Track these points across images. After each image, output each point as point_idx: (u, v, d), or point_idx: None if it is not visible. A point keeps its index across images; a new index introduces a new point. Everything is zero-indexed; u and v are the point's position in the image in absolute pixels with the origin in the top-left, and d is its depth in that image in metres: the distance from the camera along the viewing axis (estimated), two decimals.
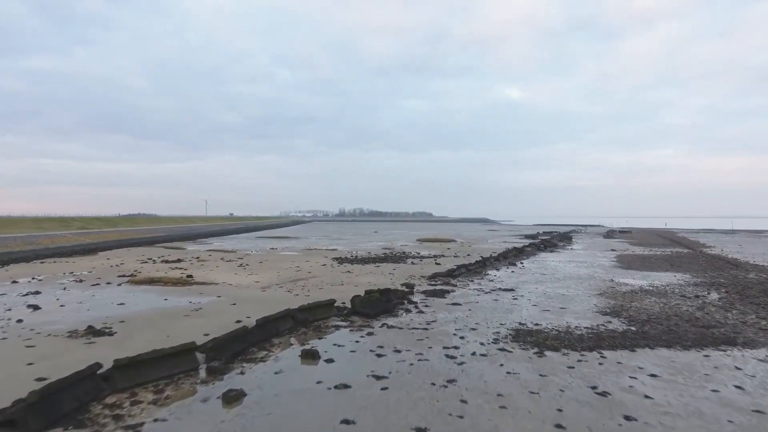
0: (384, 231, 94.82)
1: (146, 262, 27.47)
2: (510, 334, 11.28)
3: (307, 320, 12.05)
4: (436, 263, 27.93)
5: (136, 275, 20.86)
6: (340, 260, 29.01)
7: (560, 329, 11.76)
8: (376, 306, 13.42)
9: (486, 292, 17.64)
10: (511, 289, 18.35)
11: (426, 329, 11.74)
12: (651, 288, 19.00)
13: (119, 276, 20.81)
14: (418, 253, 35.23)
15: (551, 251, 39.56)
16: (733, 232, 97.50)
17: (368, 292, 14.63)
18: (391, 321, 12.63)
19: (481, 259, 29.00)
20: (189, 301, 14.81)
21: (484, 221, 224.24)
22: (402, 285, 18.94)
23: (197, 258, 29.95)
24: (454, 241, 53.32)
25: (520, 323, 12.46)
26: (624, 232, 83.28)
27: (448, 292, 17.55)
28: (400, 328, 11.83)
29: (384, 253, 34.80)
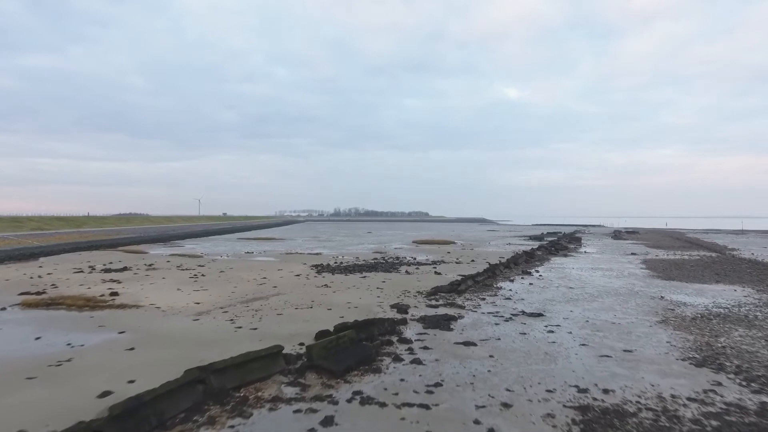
0: (378, 232, 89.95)
1: (81, 271, 22.51)
2: (573, 420, 6.46)
3: (225, 390, 7.19)
4: (436, 272, 23.12)
5: (43, 292, 15.94)
6: (320, 268, 24.13)
7: (651, 406, 6.96)
8: (347, 355, 8.58)
9: (506, 319, 12.83)
10: (540, 314, 13.55)
11: (426, 406, 6.92)
12: (722, 311, 14.26)
13: (20, 294, 15.85)
14: (414, 259, 30.40)
15: (565, 255, 34.84)
16: (743, 232, 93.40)
17: (339, 329, 9.80)
18: (368, 385, 7.79)
19: (488, 266, 24.22)
20: (68, 343, 9.91)
21: (481, 221, 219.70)
22: (392, 307, 14.12)
23: (149, 265, 25.02)
24: (453, 243, 48.54)
25: (578, 388, 7.65)
26: (631, 233, 78.81)
27: (454, 319, 12.73)
28: (383, 404, 6.99)
29: (374, 259, 29.94)
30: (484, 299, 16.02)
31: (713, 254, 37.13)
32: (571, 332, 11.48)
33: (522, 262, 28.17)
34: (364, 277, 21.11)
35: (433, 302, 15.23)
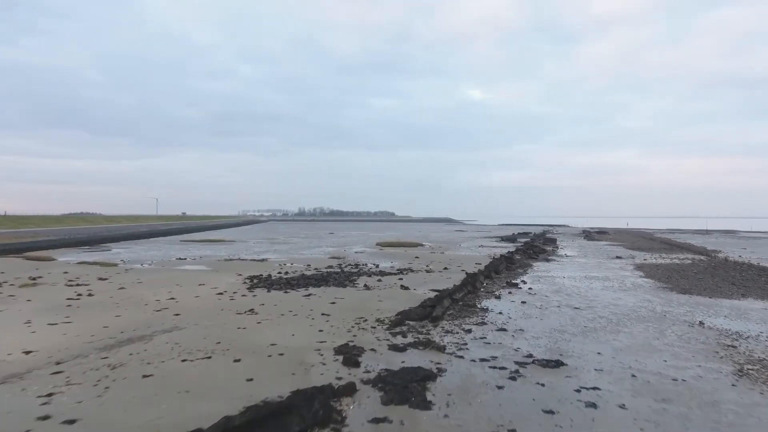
0: (342, 232, 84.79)
1: None
2: None
3: None
4: (402, 286, 18.42)
5: None
6: (255, 282, 19.00)
7: None
8: None
9: (511, 375, 8.22)
10: (558, 362, 9.01)
11: None
12: None
13: None
14: (377, 266, 25.63)
15: (546, 260, 30.90)
16: (708, 232, 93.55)
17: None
18: None
19: (466, 276, 19.76)
20: None
21: (448, 221, 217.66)
22: (337, 352, 9.30)
23: (33, 279, 19.21)
24: (421, 245, 44.09)
25: None
26: (602, 233, 76.83)
27: (431, 377, 8.01)
28: None
29: (329, 267, 24.98)
30: (469, 330, 11.41)
31: (702, 257, 34.16)
32: (624, 405, 6.96)
33: (503, 270, 23.88)
34: (309, 295, 16.14)
35: (399, 340, 10.48)
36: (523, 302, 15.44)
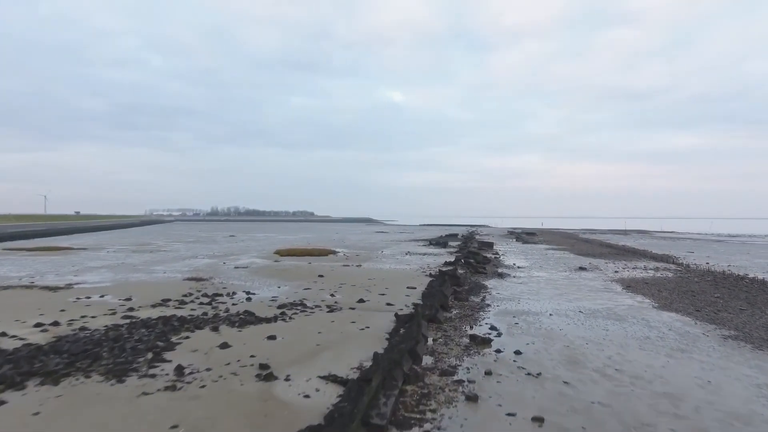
0: (245, 234, 72.84)
1: None
2: None
3: None
4: (261, 364, 8.70)
5: None
6: None
7: None
8: None
9: None
10: None
11: None
12: None
13: None
14: (249, 297, 15.72)
15: (500, 276, 22.81)
16: (626, 232, 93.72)
17: None
18: None
19: (395, 322, 10.68)
20: None
21: (368, 221, 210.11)
22: None
23: None
24: (333, 253, 34.55)
25: None
26: (531, 234, 72.27)
27: None
28: None
29: (155, 306, 14.60)
30: None
31: (670, 265, 28.23)
32: None
33: (454, 302, 15.12)
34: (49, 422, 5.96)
35: None
36: (538, 421, 6.53)
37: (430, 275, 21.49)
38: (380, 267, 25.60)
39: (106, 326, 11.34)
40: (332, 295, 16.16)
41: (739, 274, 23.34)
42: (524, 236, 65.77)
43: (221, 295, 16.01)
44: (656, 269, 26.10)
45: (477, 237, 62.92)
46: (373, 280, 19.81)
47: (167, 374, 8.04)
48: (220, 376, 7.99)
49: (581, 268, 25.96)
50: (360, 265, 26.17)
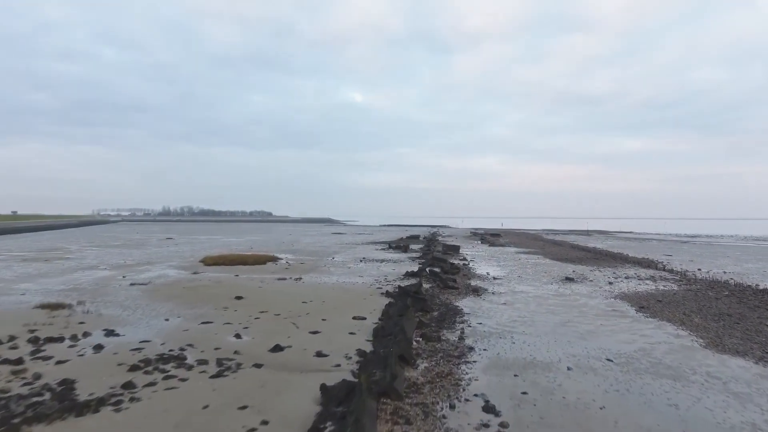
0: (189, 236, 65.63)
1: None
2: None
3: None
4: None
5: None
6: None
7: None
8: None
9: None
10: None
11: None
12: None
13: None
14: (99, 345, 10.14)
15: (476, 293, 18.05)
16: (588, 233, 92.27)
17: None
18: None
19: (321, 391, 5.48)
20: None
21: (328, 221, 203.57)
22: None
23: None
24: (274, 260, 28.96)
25: None
26: (495, 236, 68.71)
27: None
28: None
29: None
30: None
31: (664, 273, 24.49)
32: None
33: (420, 343, 10.12)
34: None
35: None
36: None
37: (387, 294, 16.45)
38: (324, 281, 20.33)
39: None
40: (237, 336, 10.77)
41: (753, 286, 19.60)
42: (489, 238, 62.07)
43: (60, 339, 10.31)
44: (653, 279, 22.18)
45: (440, 239, 58.62)
46: (309, 304, 14.53)
47: None
48: None
49: (568, 279, 21.65)
50: (300, 278, 20.81)
